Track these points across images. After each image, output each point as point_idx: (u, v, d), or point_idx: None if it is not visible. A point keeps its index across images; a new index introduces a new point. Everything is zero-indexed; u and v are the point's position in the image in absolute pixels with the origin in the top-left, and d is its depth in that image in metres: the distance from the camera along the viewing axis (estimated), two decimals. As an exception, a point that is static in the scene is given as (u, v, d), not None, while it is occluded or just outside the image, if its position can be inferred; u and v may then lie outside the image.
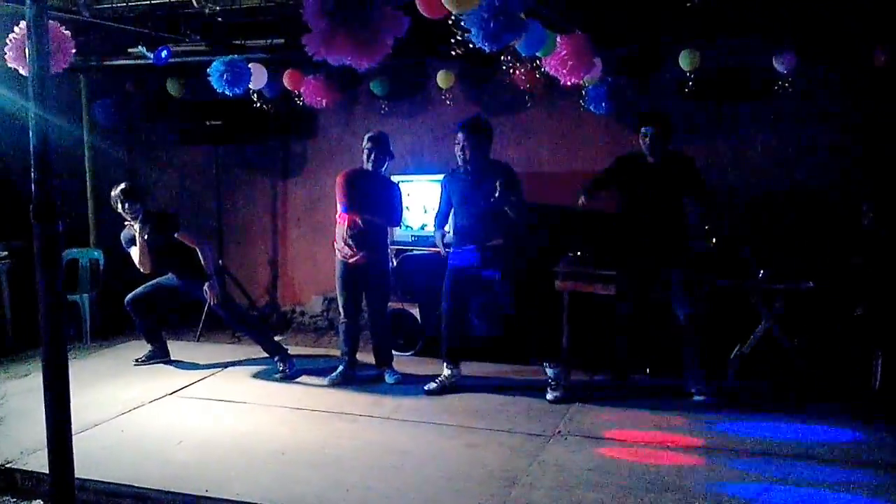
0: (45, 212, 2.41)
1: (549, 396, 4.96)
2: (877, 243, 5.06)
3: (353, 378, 5.47)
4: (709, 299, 5.07)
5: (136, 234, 5.47)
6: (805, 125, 5.81)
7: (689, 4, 4.45)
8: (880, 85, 5.48)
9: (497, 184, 4.75)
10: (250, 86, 6.06)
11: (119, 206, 5.48)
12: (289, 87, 6.36)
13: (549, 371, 5.04)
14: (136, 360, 5.86)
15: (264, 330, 6.11)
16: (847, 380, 5.02)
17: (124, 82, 7.35)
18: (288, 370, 5.60)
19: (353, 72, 5.64)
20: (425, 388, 5.19)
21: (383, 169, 5.34)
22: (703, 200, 5.08)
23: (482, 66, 6.18)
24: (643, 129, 4.85)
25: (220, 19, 5.17)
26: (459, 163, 5.03)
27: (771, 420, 4.56)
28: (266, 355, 5.76)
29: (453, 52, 4.35)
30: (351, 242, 5.27)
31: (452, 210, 5.21)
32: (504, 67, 5.55)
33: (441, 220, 5.32)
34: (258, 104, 6.50)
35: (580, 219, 5.64)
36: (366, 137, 5.31)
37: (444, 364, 5.26)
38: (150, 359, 5.90)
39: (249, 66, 5.84)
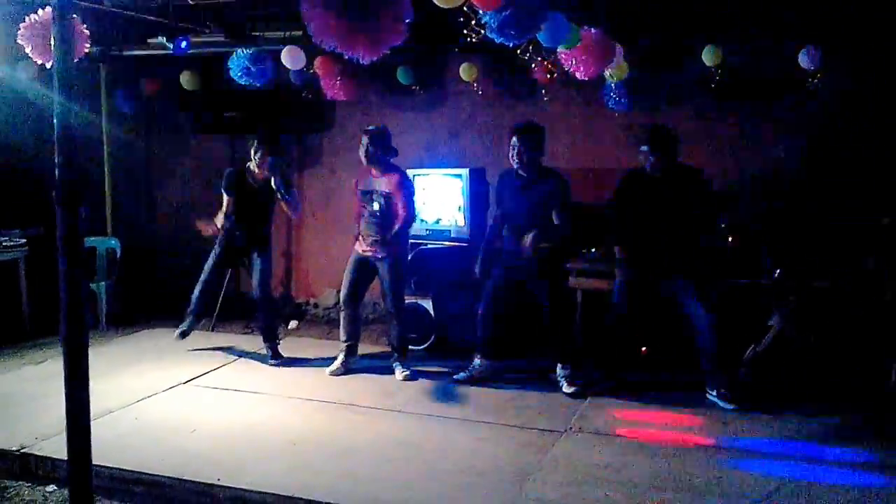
0: (69, 196, 2.40)
1: (566, 389, 4.98)
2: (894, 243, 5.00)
3: (353, 368, 5.50)
4: (722, 300, 5.01)
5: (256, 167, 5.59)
6: (827, 123, 5.75)
7: None
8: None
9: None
10: (288, 66, 6.01)
11: (258, 151, 5.58)
12: (319, 74, 6.20)
13: (564, 369, 5.04)
14: (181, 334, 5.86)
15: (276, 315, 6.17)
16: (861, 381, 4.97)
17: (144, 72, 7.38)
18: (273, 360, 5.73)
19: (371, 63, 5.60)
20: (455, 376, 5.24)
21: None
22: (706, 224, 4.93)
23: (502, 59, 6.12)
24: (641, 147, 4.83)
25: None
26: (514, 167, 5.00)
27: (784, 419, 4.52)
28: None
29: (471, 39, 4.32)
30: (368, 232, 5.32)
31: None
32: (525, 61, 5.51)
33: (494, 232, 5.25)
34: (297, 96, 6.55)
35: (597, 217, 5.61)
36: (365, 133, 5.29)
37: (478, 355, 5.27)
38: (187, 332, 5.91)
39: (285, 49, 5.79)
